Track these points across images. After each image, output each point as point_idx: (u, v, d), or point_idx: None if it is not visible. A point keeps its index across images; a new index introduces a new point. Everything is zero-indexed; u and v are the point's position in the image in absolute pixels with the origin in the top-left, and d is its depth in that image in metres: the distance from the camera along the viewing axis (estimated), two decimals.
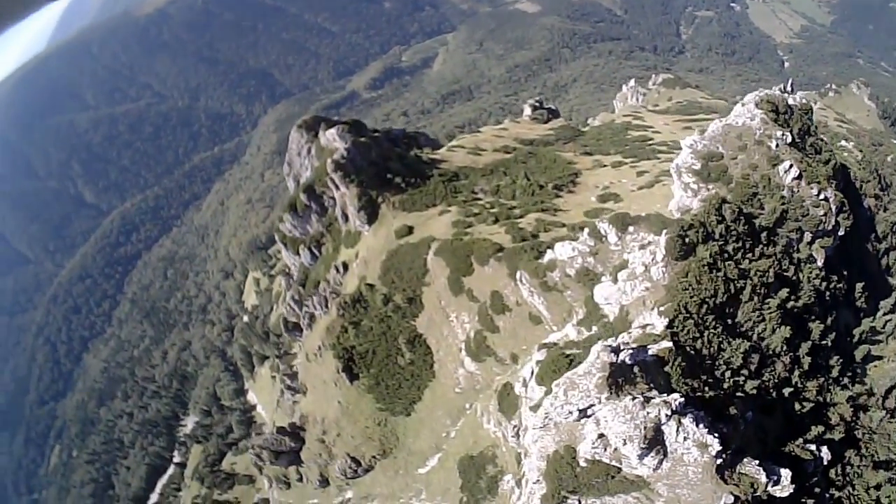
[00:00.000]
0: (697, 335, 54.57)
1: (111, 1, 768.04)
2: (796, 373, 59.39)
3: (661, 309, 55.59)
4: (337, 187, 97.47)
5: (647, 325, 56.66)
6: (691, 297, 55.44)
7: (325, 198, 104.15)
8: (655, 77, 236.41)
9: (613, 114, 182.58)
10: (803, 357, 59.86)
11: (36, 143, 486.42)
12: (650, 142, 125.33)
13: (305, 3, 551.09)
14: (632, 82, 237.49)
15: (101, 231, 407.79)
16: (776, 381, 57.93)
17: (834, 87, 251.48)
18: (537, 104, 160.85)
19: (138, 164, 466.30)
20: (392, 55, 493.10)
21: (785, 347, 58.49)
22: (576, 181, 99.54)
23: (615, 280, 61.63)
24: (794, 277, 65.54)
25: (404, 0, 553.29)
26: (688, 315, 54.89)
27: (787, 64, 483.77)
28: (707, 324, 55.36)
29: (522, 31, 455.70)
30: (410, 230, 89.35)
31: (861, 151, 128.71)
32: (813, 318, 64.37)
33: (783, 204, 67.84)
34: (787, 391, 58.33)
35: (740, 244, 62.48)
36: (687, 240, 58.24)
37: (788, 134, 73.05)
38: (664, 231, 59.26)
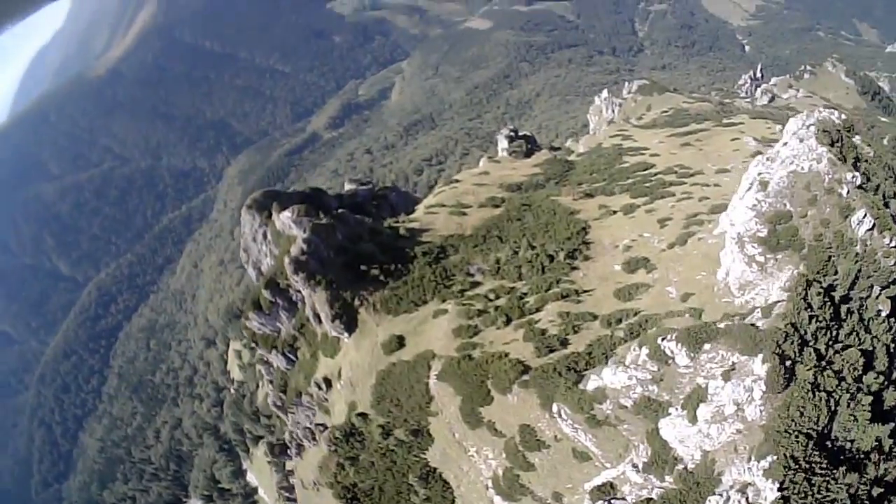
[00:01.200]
0: (808, 490, 38.32)
1: (66, 63, 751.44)
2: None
3: (766, 466, 38.75)
4: (301, 290, 78.96)
5: (747, 484, 40.03)
6: (797, 439, 39.11)
7: (291, 292, 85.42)
8: (629, 85, 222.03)
9: (596, 135, 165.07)
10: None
11: (5, 218, 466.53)
12: (653, 170, 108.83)
13: (255, 47, 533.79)
14: (605, 93, 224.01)
15: (79, 305, 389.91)
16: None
17: (809, 67, 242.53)
18: (512, 134, 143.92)
19: (108, 231, 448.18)
20: (348, 90, 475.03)
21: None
22: (587, 240, 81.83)
23: (693, 419, 43.95)
24: (871, 347, 48.45)
25: (354, 32, 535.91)
26: (797, 465, 38.55)
27: (747, 48, 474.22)
28: (815, 466, 39.10)
29: (477, 50, 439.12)
30: (401, 342, 70.50)
31: (870, 145, 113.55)
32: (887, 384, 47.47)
33: (857, 262, 51.08)
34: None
35: (828, 335, 45.78)
36: (788, 362, 41.06)
37: (858, 175, 56.20)
38: (760, 355, 41.93)
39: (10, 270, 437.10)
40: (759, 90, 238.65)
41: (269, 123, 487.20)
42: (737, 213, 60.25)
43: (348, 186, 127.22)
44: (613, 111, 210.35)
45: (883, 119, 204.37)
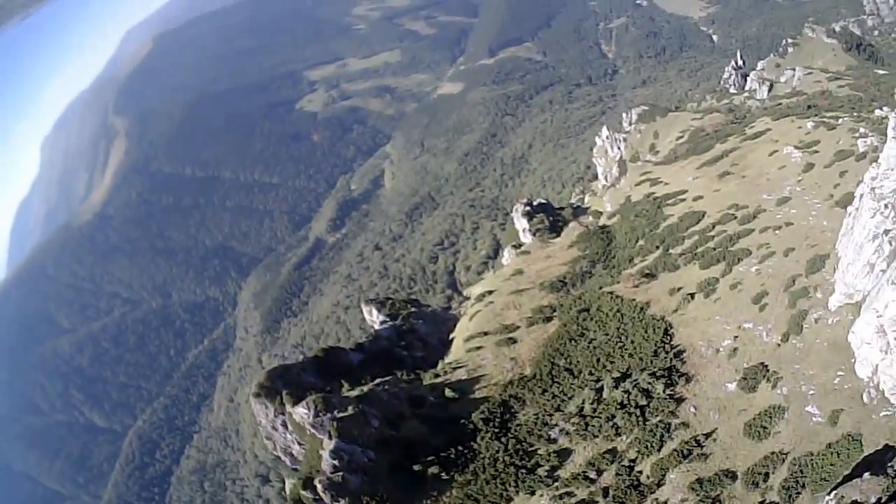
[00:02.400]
0: None
1: (52, 212, 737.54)
2: None
3: None
4: None
5: None
6: None
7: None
8: (628, 115, 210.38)
9: (619, 185, 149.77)
10: None
11: (27, 377, 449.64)
12: (706, 220, 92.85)
13: (236, 164, 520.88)
14: (605, 132, 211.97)
15: (123, 456, 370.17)
16: None
17: (790, 40, 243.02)
18: (529, 209, 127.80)
19: (135, 377, 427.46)
20: (341, 188, 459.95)
21: None
22: (677, 348, 64.48)
23: None
24: None
25: (330, 127, 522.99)
26: None
27: (715, 37, 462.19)
28: None
29: (457, 116, 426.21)
30: None
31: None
32: None
33: None
34: None
35: None
36: None
37: None
38: None
39: (45, 430, 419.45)
40: (749, 79, 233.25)
41: (270, 238, 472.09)
42: (855, 273, 45.07)
43: (366, 311, 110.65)
44: (619, 148, 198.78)
45: (880, 71, 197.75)
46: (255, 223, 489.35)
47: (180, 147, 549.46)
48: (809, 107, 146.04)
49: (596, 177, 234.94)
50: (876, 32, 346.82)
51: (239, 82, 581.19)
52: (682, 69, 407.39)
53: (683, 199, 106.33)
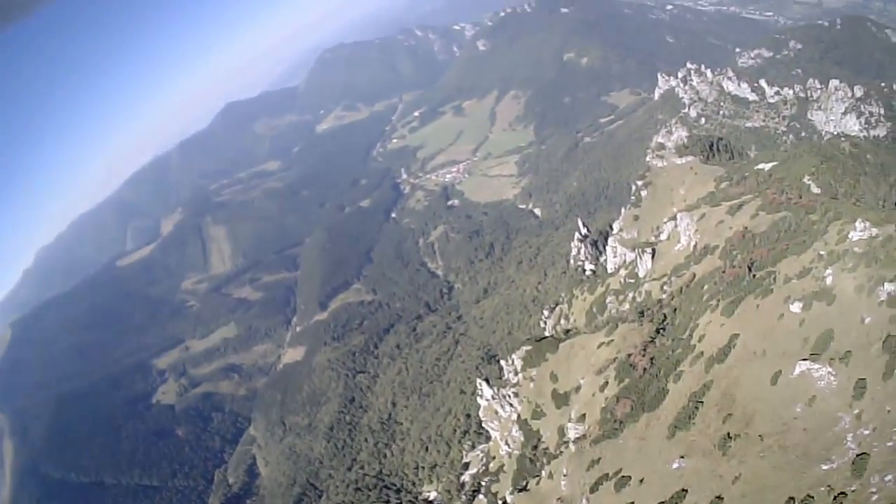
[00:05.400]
0: None
1: None
2: None
3: None
4: None
5: None
6: None
7: None
8: (509, 363, 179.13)
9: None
10: None
11: None
12: None
13: (114, 469, 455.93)
14: (485, 389, 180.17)
15: None
16: None
17: (639, 183, 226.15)
18: None
19: None
20: (219, 483, 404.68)
21: None
22: None
23: None
24: None
25: (191, 420, 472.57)
26: None
27: (538, 211, 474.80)
28: None
29: (308, 386, 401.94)
30: None
31: None
32: None
33: None
34: None
35: None
36: None
37: None
38: None
39: None
40: (610, 249, 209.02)
41: None
42: None
43: None
44: (512, 405, 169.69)
45: (765, 166, 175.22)
46: None
47: (59, 451, 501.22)
48: (750, 269, 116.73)
49: (488, 437, 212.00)
50: (703, 120, 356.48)
51: (94, 378, 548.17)
52: (520, 261, 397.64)
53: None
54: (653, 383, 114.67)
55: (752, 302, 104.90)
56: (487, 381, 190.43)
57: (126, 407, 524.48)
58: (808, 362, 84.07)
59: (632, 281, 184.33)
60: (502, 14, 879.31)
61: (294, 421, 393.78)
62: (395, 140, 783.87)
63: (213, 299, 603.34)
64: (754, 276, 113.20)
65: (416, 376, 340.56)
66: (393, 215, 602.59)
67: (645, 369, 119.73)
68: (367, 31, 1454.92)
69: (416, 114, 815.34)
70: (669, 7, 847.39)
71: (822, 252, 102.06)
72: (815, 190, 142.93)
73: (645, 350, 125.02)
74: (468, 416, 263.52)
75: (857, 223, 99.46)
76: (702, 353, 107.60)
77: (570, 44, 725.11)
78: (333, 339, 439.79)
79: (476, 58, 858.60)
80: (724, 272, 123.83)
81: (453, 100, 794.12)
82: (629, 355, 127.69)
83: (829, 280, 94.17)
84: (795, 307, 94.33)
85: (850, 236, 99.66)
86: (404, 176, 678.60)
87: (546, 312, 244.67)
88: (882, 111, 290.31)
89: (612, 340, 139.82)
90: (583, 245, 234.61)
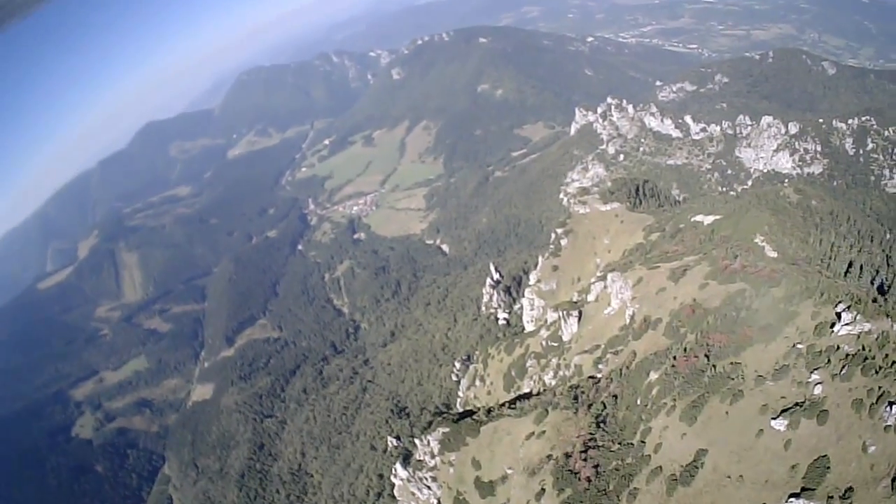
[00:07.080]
0: None
1: None
2: None
3: None
4: None
5: None
6: None
7: None
8: (424, 444, 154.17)
9: None
10: None
11: None
12: None
13: None
14: (401, 471, 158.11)
15: None
16: None
17: (559, 231, 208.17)
18: None
19: None
20: None
21: None
22: None
23: None
24: None
25: (108, 456, 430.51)
26: None
27: (445, 247, 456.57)
28: None
29: (217, 428, 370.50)
30: None
31: None
32: None
33: None
34: None
35: None
36: None
37: None
38: None
39: None
40: (527, 302, 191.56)
41: None
42: None
43: None
44: (431, 489, 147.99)
45: (704, 219, 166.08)
46: None
47: None
48: (708, 358, 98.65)
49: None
50: (622, 157, 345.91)
51: (15, 407, 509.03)
52: (428, 303, 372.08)
53: None
54: (602, 501, 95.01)
55: (719, 406, 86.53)
56: (404, 460, 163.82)
57: (48, 439, 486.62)
58: (802, 500, 68.33)
59: (555, 344, 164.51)
60: (419, 42, 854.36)
61: (206, 463, 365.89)
62: (304, 169, 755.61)
63: (124, 330, 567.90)
64: (714, 367, 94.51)
65: (323, 425, 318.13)
66: (299, 247, 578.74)
67: (590, 479, 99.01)
68: (288, 54, 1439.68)
69: (327, 142, 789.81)
70: (590, 39, 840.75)
71: (798, 345, 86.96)
72: (771, 254, 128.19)
73: (586, 452, 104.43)
74: (381, 476, 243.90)
75: (842, 312, 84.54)
76: (660, 467, 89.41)
77: (485, 75, 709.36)
78: (240, 377, 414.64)
79: (389, 86, 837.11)
80: (674, 358, 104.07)
81: (364, 129, 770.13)
82: (567, 455, 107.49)
83: (816, 389, 77.91)
84: (779, 424, 77.25)
85: (834, 329, 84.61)
86: (311, 206, 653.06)
87: (458, 365, 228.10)
88: (819, 147, 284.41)
89: (544, 432, 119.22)
90: (495, 292, 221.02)
